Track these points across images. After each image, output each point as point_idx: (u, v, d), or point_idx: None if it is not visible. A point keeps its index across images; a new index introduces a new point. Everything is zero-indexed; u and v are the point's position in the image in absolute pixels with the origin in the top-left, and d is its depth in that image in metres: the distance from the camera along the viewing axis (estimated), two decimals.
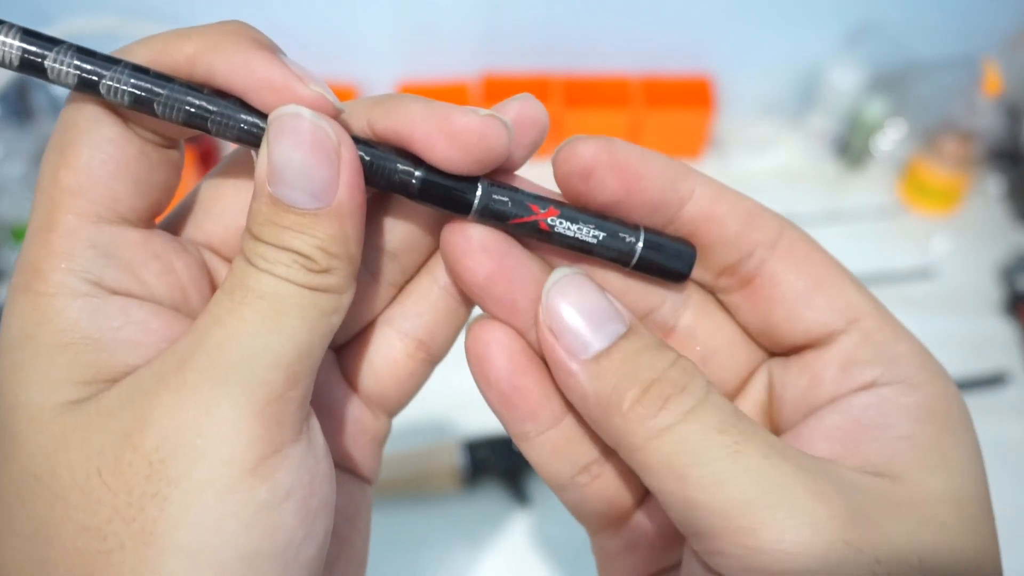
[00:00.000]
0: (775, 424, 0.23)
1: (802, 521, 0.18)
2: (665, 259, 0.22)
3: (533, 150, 0.22)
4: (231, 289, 0.19)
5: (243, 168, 0.22)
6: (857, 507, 0.18)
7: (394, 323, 0.24)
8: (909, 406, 0.20)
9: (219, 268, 0.22)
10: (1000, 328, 0.70)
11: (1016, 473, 0.60)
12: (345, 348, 0.25)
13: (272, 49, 0.20)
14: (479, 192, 0.20)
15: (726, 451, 0.18)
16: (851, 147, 0.82)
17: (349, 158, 0.19)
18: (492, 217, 0.21)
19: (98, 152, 0.19)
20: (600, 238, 0.21)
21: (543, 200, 0.21)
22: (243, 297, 0.18)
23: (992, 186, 0.81)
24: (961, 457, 0.20)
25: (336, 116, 0.19)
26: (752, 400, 0.24)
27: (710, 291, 0.24)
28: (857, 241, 0.77)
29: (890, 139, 0.82)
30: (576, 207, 0.21)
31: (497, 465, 0.58)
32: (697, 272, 0.23)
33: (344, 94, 0.83)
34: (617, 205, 0.21)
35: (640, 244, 0.21)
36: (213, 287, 0.22)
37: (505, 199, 0.21)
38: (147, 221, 0.20)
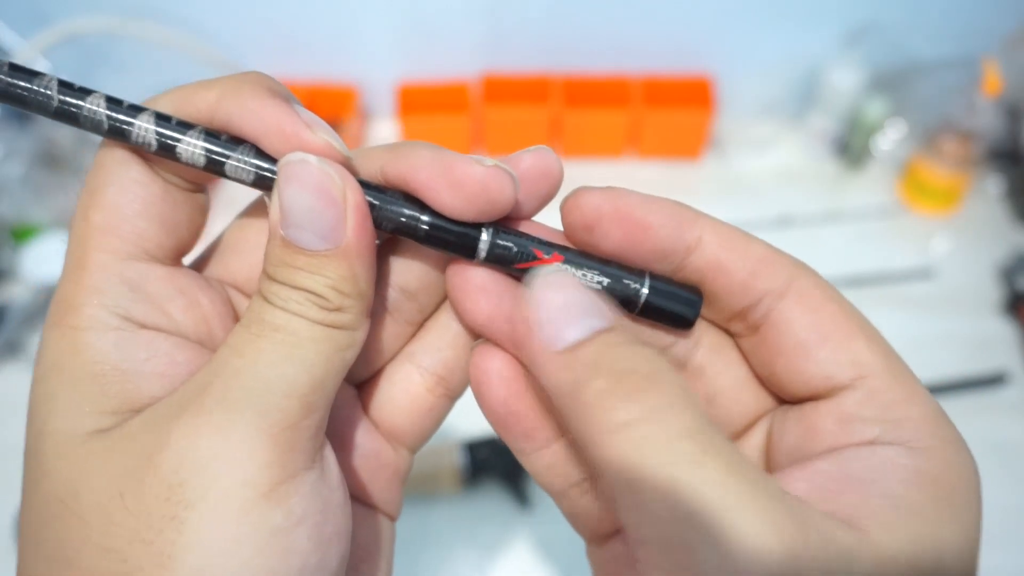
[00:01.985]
0: (767, 470, 0.23)
1: (748, 543, 0.16)
2: (671, 306, 0.22)
3: (546, 202, 0.22)
4: (248, 323, 0.20)
5: (264, 211, 0.23)
6: (806, 544, 0.17)
7: (414, 359, 0.25)
8: (905, 467, 0.19)
9: (243, 304, 0.23)
10: (1000, 328, 0.70)
11: (1016, 473, 0.60)
12: (366, 384, 0.25)
13: (285, 98, 0.21)
14: (484, 238, 0.21)
15: (685, 459, 0.17)
16: (851, 147, 0.82)
17: (355, 201, 0.19)
18: (497, 261, 0.21)
19: (126, 192, 0.20)
20: (604, 284, 0.21)
21: (548, 246, 0.22)
22: (260, 330, 0.19)
23: (992, 186, 0.81)
24: (947, 527, 0.19)
25: (344, 162, 0.20)
26: (752, 445, 0.23)
27: (727, 332, 0.24)
28: (857, 241, 0.77)
29: (890, 139, 0.82)
30: (581, 252, 0.22)
31: (497, 465, 0.58)
32: (710, 312, 0.23)
33: (344, 94, 0.83)
34: (623, 254, 0.22)
35: (645, 290, 0.22)
36: (237, 321, 0.23)
37: (510, 244, 0.21)
38: (174, 258, 0.22)
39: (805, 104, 0.84)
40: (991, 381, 0.66)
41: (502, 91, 0.82)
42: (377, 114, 0.88)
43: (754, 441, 0.23)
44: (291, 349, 0.19)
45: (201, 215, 0.22)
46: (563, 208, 0.22)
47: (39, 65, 0.74)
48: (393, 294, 0.24)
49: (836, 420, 0.21)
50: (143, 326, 0.20)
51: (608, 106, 0.82)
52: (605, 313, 0.20)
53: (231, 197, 0.22)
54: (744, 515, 0.17)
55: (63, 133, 0.82)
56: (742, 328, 0.23)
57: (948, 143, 0.75)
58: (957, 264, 0.75)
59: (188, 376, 0.20)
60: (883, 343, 0.21)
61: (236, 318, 0.23)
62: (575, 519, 0.25)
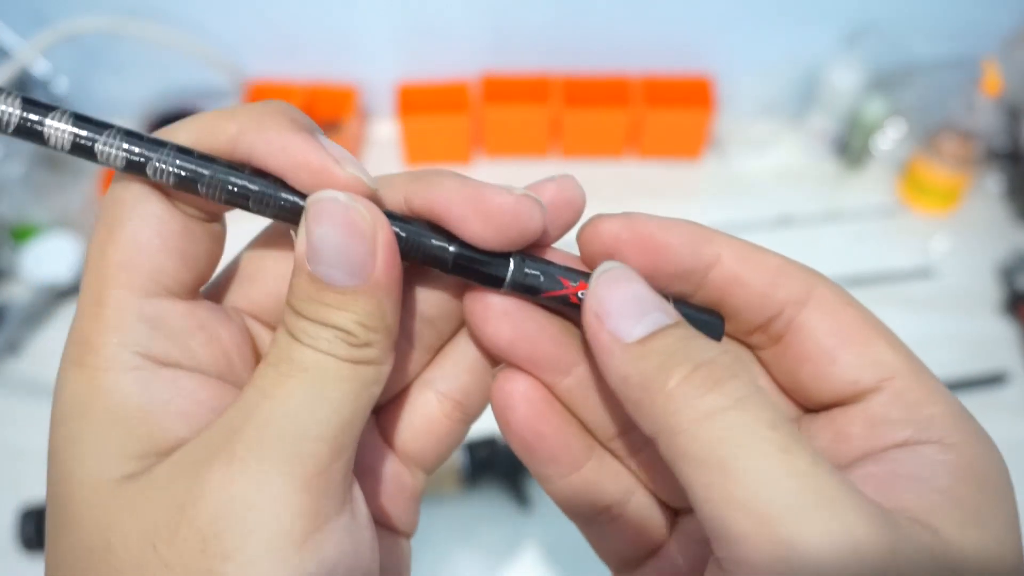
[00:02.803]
0: None
1: (846, 541, 0.16)
2: (696, 324, 0.22)
3: (568, 229, 0.22)
4: (276, 362, 0.19)
5: (280, 239, 0.23)
6: (900, 542, 0.17)
7: (432, 384, 0.25)
8: (945, 463, 0.19)
9: (261, 334, 0.23)
10: (1000, 328, 0.70)
11: (1016, 473, 0.60)
12: (383, 409, 0.25)
13: (310, 131, 0.20)
14: (511, 267, 0.21)
15: (775, 448, 0.17)
16: (851, 147, 0.82)
17: (384, 239, 0.19)
18: (524, 290, 0.21)
19: (144, 228, 0.20)
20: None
21: (573, 273, 0.22)
22: (288, 370, 0.19)
23: (992, 186, 0.81)
24: (999, 518, 0.19)
25: (372, 196, 0.20)
26: None
27: (746, 346, 0.24)
28: (857, 241, 0.77)
29: (890, 139, 0.82)
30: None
31: (497, 465, 0.58)
32: (730, 328, 0.23)
33: (344, 94, 0.83)
34: (644, 277, 0.21)
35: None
36: (256, 353, 0.23)
37: (536, 273, 0.21)
38: (192, 292, 0.21)
39: (805, 104, 0.84)
40: (991, 381, 0.66)
41: (502, 91, 0.82)
42: (377, 114, 0.88)
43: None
44: (320, 390, 0.19)
45: (218, 245, 0.22)
46: (581, 237, 0.22)
47: (39, 65, 0.74)
48: (412, 321, 0.24)
49: (865, 424, 0.21)
50: (164, 364, 0.20)
51: (608, 106, 0.82)
52: (671, 309, 0.20)
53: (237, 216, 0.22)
54: (840, 507, 0.17)
55: None
56: (763, 340, 0.23)
57: (948, 143, 0.75)
58: (957, 264, 0.75)
59: (211, 414, 0.20)
60: (902, 344, 0.22)
61: (255, 349, 0.23)
62: (602, 547, 0.25)
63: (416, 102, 0.83)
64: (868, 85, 0.79)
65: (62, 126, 0.19)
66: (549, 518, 0.58)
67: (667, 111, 0.81)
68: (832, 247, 0.76)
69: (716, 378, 0.18)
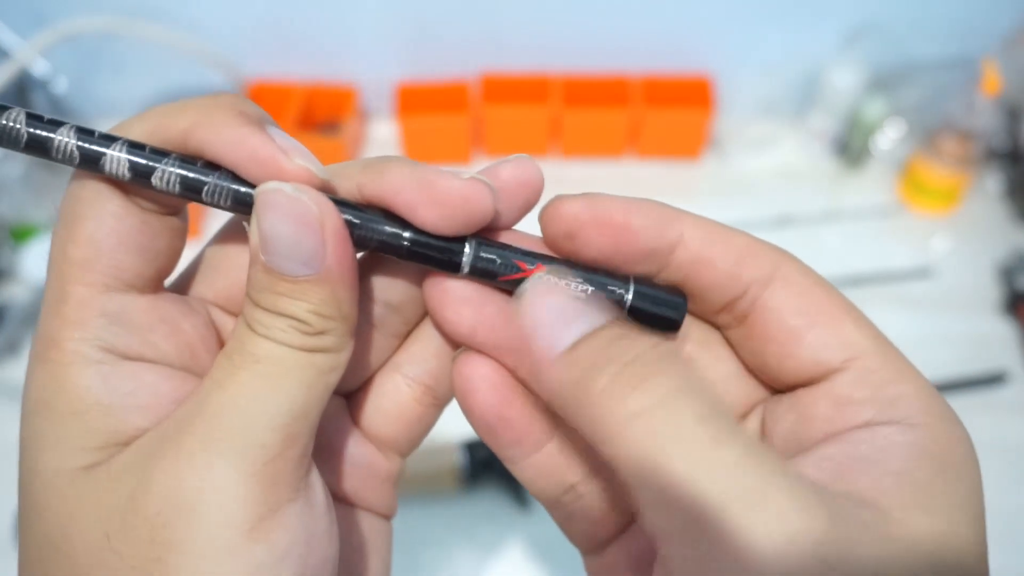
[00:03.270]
0: None
1: (778, 529, 0.16)
2: (656, 309, 0.22)
3: (527, 210, 0.22)
4: (231, 353, 0.20)
5: (243, 230, 0.23)
6: (838, 527, 0.17)
7: (401, 369, 0.25)
8: (905, 444, 0.19)
9: (226, 324, 0.23)
10: (1000, 327, 0.70)
11: (1016, 473, 0.60)
12: (354, 395, 0.26)
13: (259, 123, 0.20)
14: (467, 252, 0.21)
15: (703, 443, 0.17)
16: (851, 147, 0.82)
17: (333, 227, 0.19)
18: (481, 275, 0.21)
19: (102, 225, 0.20)
20: (589, 292, 0.21)
21: (531, 256, 0.22)
22: (242, 361, 0.19)
23: (991, 185, 0.81)
24: (955, 501, 0.19)
25: (322, 186, 0.20)
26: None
27: (714, 326, 0.24)
28: (857, 241, 0.77)
29: (890, 139, 0.82)
30: (564, 261, 0.22)
31: (497, 465, 0.58)
32: (697, 308, 0.23)
33: (343, 94, 0.83)
34: (607, 259, 0.22)
35: (629, 296, 0.22)
36: (221, 343, 0.23)
37: (493, 257, 0.21)
38: (154, 286, 0.21)
39: (805, 104, 0.84)
40: (991, 381, 0.66)
41: (501, 91, 0.82)
42: (376, 114, 0.88)
43: (748, 431, 0.23)
44: (273, 380, 0.19)
45: (179, 238, 0.22)
46: (542, 218, 0.22)
47: (39, 65, 0.74)
48: (377, 308, 0.24)
49: (830, 404, 0.21)
50: (126, 357, 0.20)
51: (608, 106, 0.82)
52: (599, 311, 0.20)
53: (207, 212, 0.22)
54: (772, 499, 0.16)
55: None
56: (730, 320, 0.23)
57: (948, 143, 0.75)
58: (956, 263, 0.75)
59: (173, 406, 0.20)
60: (869, 324, 0.21)
61: (220, 339, 0.23)
62: (570, 527, 0.25)
63: (415, 102, 0.83)
64: (868, 85, 0.79)
65: (18, 126, 0.19)
66: (548, 518, 0.58)
67: (667, 111, 0.81)
68: (832, 247, 0.76)
69: (642, 375, 0.18)
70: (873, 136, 0.81)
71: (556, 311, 0.20)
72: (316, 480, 0.21)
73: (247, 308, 0.20)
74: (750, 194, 0.81)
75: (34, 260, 0.72)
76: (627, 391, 0.18)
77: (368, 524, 0.25)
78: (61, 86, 0.76)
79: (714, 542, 0.16)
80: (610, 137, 0.83)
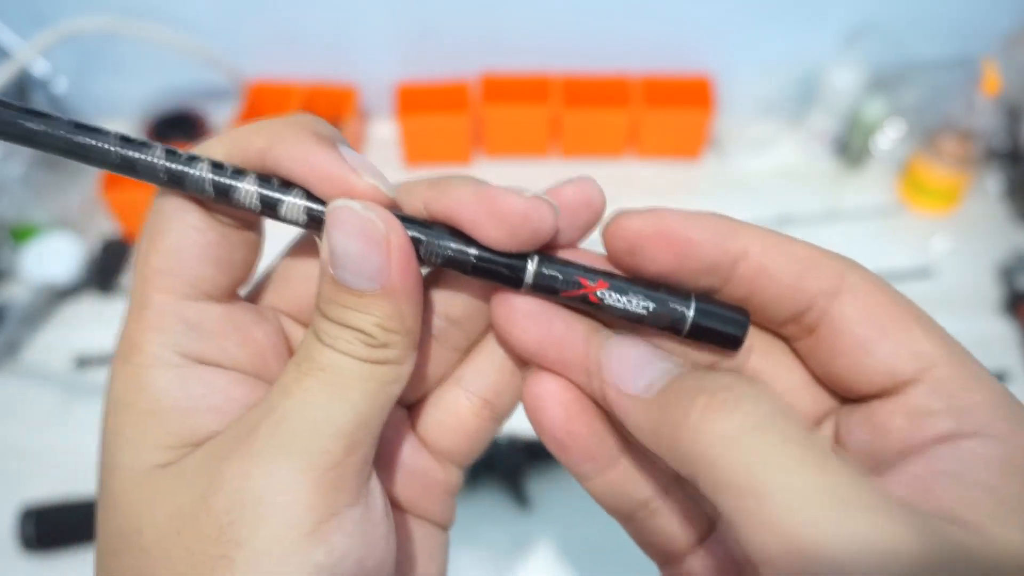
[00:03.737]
0: None
1: (876, 551, 0.16)
2: (718, 326, 0.22)
3: (589, 230, 0.23)
4: (299, 361, 0.21)
5: (314, 243, 0.24)
6: (936, 548, 0.17)
7: (462, 382, 0.26)
8: (987, 456, 0.19)
9: (296, 334, 0.25)
10: (1000, 328, 0.70)
11: None
12: (415, 406, 0.26)
13: (332, 142, 0.21)
14: (530, 268, 0.22)
15: (797, 464, 0.17)
16: (851, 147, 0.82)
17: (398, 243, 0.20)
18: (543, 290, 0.22)
19: (183, 237, 0.21)
20: (650, 308, 0.22)
21: (592, 273, 0.22)
22: (308, 369, 0.20)
23: (991, 185, 0.81)
24: None
25: (390, 203, 0.21)
26: None
27: (781, 337, 0.24)
28: (856, 241, 0.77)
29: (889, 139, 0.82)
30: (626, 278, 0.22)
31: (497, 465, 0.58)
32: (763, 320, 0.23)
33: (343, 94, 0.83)
34: (670, 274, 0.22)
35: (691, 312, 0.22)
36: (291, 352, 0.24)
37: (555, 274, 0.22)
38: (229, 295, 0.23)
39: (805, 104, 0.84)
40: None
41: (501, 91, 0.82)
42: (376, 114, 0.88)
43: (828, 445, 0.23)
44: (337, 389, 0.20)
45: (254, 252, 0.23)
46: (605, 234, 0.22)
47: (39, 65, 0.74)
48: (439, 322, 0.24)
49: (906, 416, 0.20)
50: (201, 362, 0.21)
51: (608, 106, 0.82)
52: (677, 360, 0.21)
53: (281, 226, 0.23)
54: (872, 523, 0.16)
55: None
56: (797, 331, 0.22)
57: (947, 143, 0.75)
58: (956, 264, 0.75)
59: (244, 410, 0.21)
60: (941, 331, 0.21)
61: (290, 348, 0.24)
62: (644, 541, 0.25)
63: (416, 102, 0.83)
64: (868, 85, 0.79)
65: (110, 147, 0.21)
66: (549, 518, 0.58)
67: (667, 111, 0.81)
68: (832, 247, 0.76)
69: (735, 401, 0.18)
70: (873, 136, 0.81)
71: (637, 356, 0.21)
72: (376, 487, 0.21)
73: (315, 319, 0.21)
74: (750, 194, 0.81)
75: (34, 260, 0.72)
76: (721, 416, 0.18)
77: (425, 532, 0.26)
78: (61, 86, 0.76)
79: (811, 562, 0.16)
80: (610, 137, 0.83)
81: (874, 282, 0.21)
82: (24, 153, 0.74)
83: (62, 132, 0.20)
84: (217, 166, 0.21)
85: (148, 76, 0.84)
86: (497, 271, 0.22)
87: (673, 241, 0.21)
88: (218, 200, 0.21)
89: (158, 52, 0.78)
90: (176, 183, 0.21)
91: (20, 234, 0.75)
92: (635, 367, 0.21)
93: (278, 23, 0.81)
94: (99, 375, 0.67)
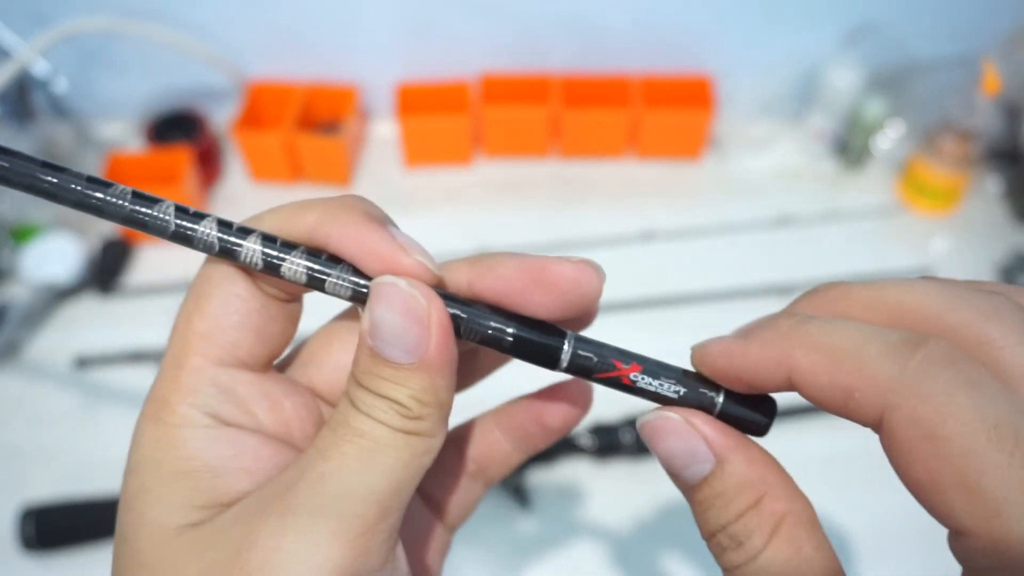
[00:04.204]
0: None
1: None
2: (746, 415, 0.22)
3: (584, 314, 0.25)
4: (336, 426, 0.21)
5: (348, 326, 0.26)
6: None
7: (458, 447, 0.27)
8: None
9: (323, 410, 0.25)
10: None
11: None
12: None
13: (382, 221, 0.22)
14: (566, 348, 0.22)
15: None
16: (850, 147, 0.82)
17: (438, 321, 0.21)
18: (578, 371, 0.22)
19: (227, 305, 0.22)
20: (681, 393, 0.22)
21: (626, 355, 0.22)
22: (345, 434, 0.21)
23: (991, 186, 0.81)
24: None
25: (435, 282, 0.21)
26: None
27: None
28: (856, 241, 0.77)
29: (889, 139, 0.82)
30: (659, 363, 0.23)
31: None
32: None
33: (344, 94, 0.83)
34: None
35: (720, 399, 0.22)
36: (317, 425, 0.25)
37: (590, 355, 0.22)
38: (264, 365, 0.23)
39: (804, 104, 0.84)
40: None
41: (501, 91, 0.82)
42: (377, 114, 0.88)
43: None
44: (372, 455, 0.20)
45: (293, 324, 0.24)
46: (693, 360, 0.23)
47: (39, 65, 0.74)
48: (471, 466, 0.27)
49: (958, 554, 0.19)
50: (229, 424, 0.22)
51: (608, 106, 0.82)
52: (707, 454, 0.21)
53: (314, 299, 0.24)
54: None
55: (63, 133, 0.82)
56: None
57: (947, 143, 0.75)
58: (956, 264, 0.75)
59: (272, 471, 0.22)
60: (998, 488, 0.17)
61: (317, 421, 0.25)
62: None
63: (416, 102, 0.83)
64: (868, 85, 0.79)
65: (165, 217, 0.21)
66: (549, 518, 0.58)
67: (667, 111, 0.81)
68: (832, 247, 0.76)
69: (724, 546, 0.20)
70: (873, 136, 0.81)
71: (669, 454, 0.21)
72: (401, 555, 0.22)
73: (352, 387, 0.21)
74: (750, 194, 0.81)
75: (34, 260, 0.72)
76: (719, 552, 0.20)
77: None
78: (61, 86, 0.76)
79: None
80: (610, 137, 0.83)
81: (921, 429, 0.18)
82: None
83: (124, 208, 0.21)
84: (268, 239, 0.21)
85: (148, 76, 0.84)
86: (534, 350, 0.22)
87: (727, 376, 0.22)
88: (267, 272, 0.21)
89: (158, 52, 0.78)
90: (228, 255, 0.21)
91: (20, 234, 0.75)
92: (676, 463, 0.22)
93: (278, 23, 0.81)
94: (99, 375, 0.67)
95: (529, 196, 0.82)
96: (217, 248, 0.21)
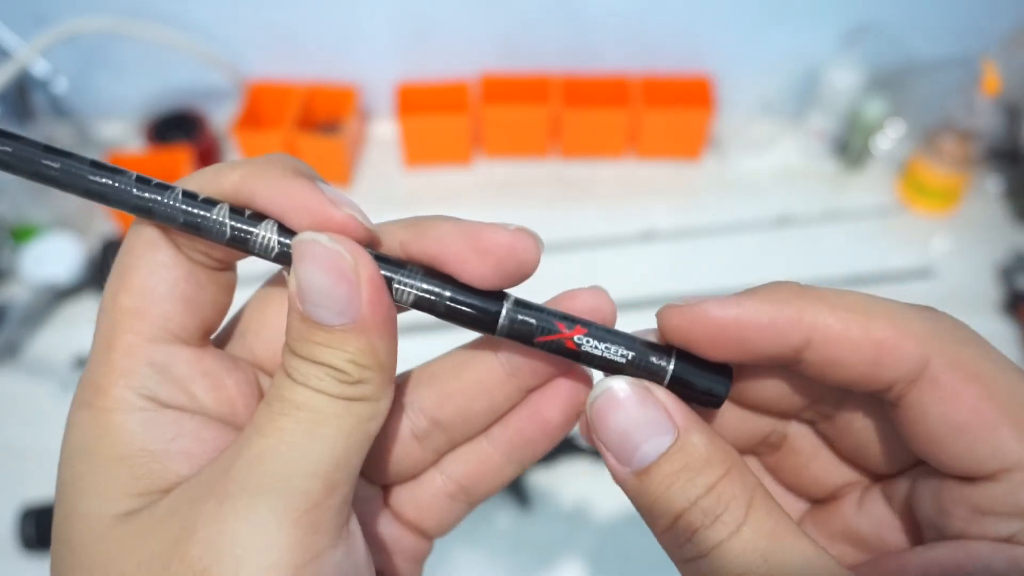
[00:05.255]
0: (911, 521, 0.22)
1: None
2: (699, 382, 0.21)
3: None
4: (271, 400, 0.20)
5: (282, 290, 0.24)
6: None
7: (440, 466, 0.25)
8: None
9: (266, 383, 0.24)
10: (1000, 328, 0.70)
11: None
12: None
13: (310, 177, 0.21)
14: (504, 311, 0.21)
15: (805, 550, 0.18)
16: (850, 147, 0.82)
17: (368, 276, 0.19)
18: (518, 337, 0.21)
19: (152, 276, 0.21)
20: (629, 358, 0.21)
21: (570, 319, 0.21)
22: (281, 408, 0.19)
23: (991, 185, 0.81)
24: None
25: (367, 237, 0.20)
26: (901, 492, 0.23)
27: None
28: (856, 241, 0.77)
29: (889, 139, 0.82)
30: (606, 328, 0.21)
31: None
32: (833, 390, 0.22)
33: (344, 94, 0.83)
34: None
35: (671, 366, 0.21)
36: (260, 401, 0.23)
37: (530, 319, 0.21)
38: (200, 338, 0.22)
39: (804, 104, 0.84)
40: None
41: (501, 91, 0.82)
42: (377, 114, 0.88)
43: (901, 491, 0.22)
44: (313, 427, 0.19)
45: (226, 294, 0.23)
46: (658, 329, 0.22)
47: (39, 65, 0.74)
48: (423, 423, 0.24)
49: (970, 509, 0.19)
50: (168, 406, 0.21)
51: (608, 106, 0.82)
52: (669, 425, 0.20)
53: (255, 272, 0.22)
54: None
55: (63, 133, 0.82)
56: (876, 399, 0.22)
57: (947, 143, 0.75)
58: (956, 264, 0.75)
59: (213, 453, 0.20)
60: None
61: (261, 396, 0.23)
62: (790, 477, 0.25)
63: (416, 102, 0.83)
64: (868, 85, 0.79)
65: (79, 172, 0.20)
66: (549, 518, 0.58)
67: (667, 111, 0.81)
68: (832, 247, 0.76)
69: (693, 527, 0.19)
70: (873, 136, 0.81)
71: (625, 429, 0.20)
72: (356, 530, 0.21)
73: (286, 356, 0.20)
74: (750, 194, 0.81)
75: (34, 260, 0.72)
76: (679, 542, 0.20)
77: None
78: (61, 86, 0.76)
79: None
80: (610, 137, 0.83)
81: (965, 367, 0.19)
82: None
83: (30, 153, 0.20)
84: (188, 195, 0.20)
85: (148, 76, 0.84)
86: (470, 314, 0.21)
87: (721, 340, 0.20)
88: (188, 231, 0.20)
89: (158, 52, 0.78)
90: (146, 213, 0.20)
91: (20, 234, 0.75)
92: (624, 443, 0.20)
93: (278, 23, 0.81)
94: None
95: (529, 196, 0.82)
96: (134, 203, 0.20)
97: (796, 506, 0.25)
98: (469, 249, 0.20)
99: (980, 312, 0.71)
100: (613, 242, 0.76)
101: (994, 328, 0.70)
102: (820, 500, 0.24)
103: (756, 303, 0.20)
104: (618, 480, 0.21)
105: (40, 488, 0.59)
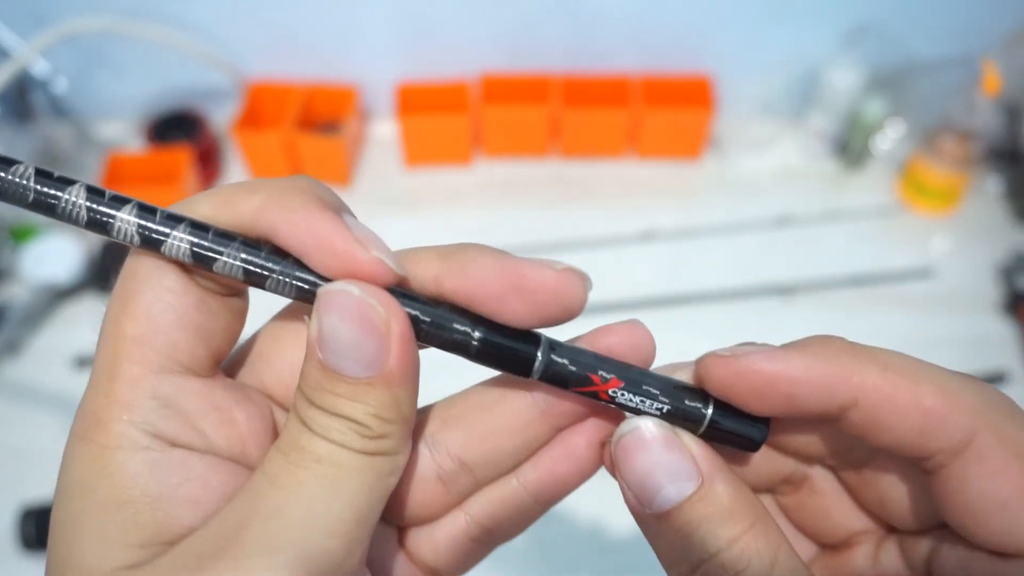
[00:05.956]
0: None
1: None
2: (737, 428, 0.21)
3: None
4: (287, 449, 0.18)
5: (300, 315, 0.22)
6: None
7: (464, 506, 0.24)
8: None
9: (279, 416, 0.22)
10: (999, 328, 0.70)
11: None
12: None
13: (337, 209, 0.19)
14: (539, 357, 0.20)
15: None
16: (850, 147, 0.82)
17: (399, 331, 0.18)
18: (552, 381, 0.20)
19: (159, 301, 0.19)
20: (664, 411, 0.20)
21: (606, 365, 0.20)
22: (300, 459, 0.18)
23: (991, 185, 0.81)
24: None
25: (396, 281, 0.19)
26: (922, 548, 0.22)
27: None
28: (856, 241, 0.77)
29: (889, 139, 0.82)
30: (641, 375, 0.20)
31: None
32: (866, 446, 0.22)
33: (344, 94, 0.83)
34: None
35: (709, 412, 0.20)
36: (274, 437, 0.21)
37: (566, 367, 0.20)
38: (209, 369, 0.20)
39: (804, 104, 0.84)
40: (991, 381, 0.66)
41: (501, 91, 0.82)
42: (377, 114, 0.88)
43: (921, 550, 0.22)
44: (333, 482, 0.18)
45: (237, 321, 0.21)
46: (697, 378, 0.21)
47: (39, 65, 0.74)
48: (450, 464, 0.23)
49: None
50: (174, 444, 0.19)
51: (608, 106, 0.82)
52: (693, 471, 0.19)
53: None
54: None
55: (63, 133, 0.82)
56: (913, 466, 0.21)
57: (947, 143, 0.75)
58: (956, 264, 0.75)
59: (222, 500, 0.19)
60: None
61: (273, 431, 0.22)
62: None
63: (416, 102, 0.83)
64: (868, 85, 0.79)
65: (80, 200, 0.18)
66: (549, 518, 0.58)
67: (667, 111, 0.81)
68: (832, 247, 0.76)
69: (735, 568, 0.19)
70: (873, 136, 0.81)
71: (647, 471, 0.19)
72: None
73: (301, 405, 0.19)
74: (750, 194, 0.81)
75: (34, 260, 0.72)
76: (765, 573, 0.18)
77: None
78: (61, 86, 0.76)
79: None
80: (610, 137, 0.83)
81: (1009, 443, 0.19)
82: (24, 153, 0.74)
83: (24, 184, 0.18)
84: (199, 227, 0.18)
85: (148, 76, 0.84)
86: (503, 357, 0.20)
87: (765, 395, 0.19)
88: (199, 266, 0.19)
89: (158, 52, 0.78)
90: (152, 246, 0.18)
91: (20, 234, 0.75)
92: (646, 484, 0.20)
93: (278, 23, 0.81)
94: None
95: (529, 196, 0.82)
96: (139, 240, 0.18)
97: (805, 548, 0.24)
98: (511, 289, 0.19)
99: (980, 312, 0.71)
100: (613, 242, 0.76)
101: (994, 328, 0.70)
102: (831, 545, 0.24)
103: (805, 359, 0.19)
104: (637, 519, 0.20)
105: (40, 488, 0.58)
